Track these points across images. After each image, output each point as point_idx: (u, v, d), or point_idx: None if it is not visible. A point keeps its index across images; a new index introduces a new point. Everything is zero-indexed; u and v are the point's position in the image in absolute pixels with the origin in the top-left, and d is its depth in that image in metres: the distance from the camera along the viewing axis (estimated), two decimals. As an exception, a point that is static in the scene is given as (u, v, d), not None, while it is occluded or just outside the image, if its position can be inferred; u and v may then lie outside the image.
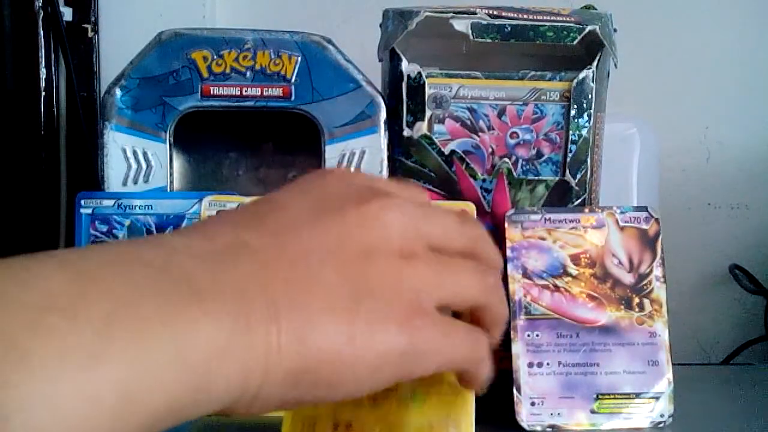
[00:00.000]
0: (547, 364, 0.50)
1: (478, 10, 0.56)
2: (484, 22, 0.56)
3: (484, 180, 0.57)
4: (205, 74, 0.56)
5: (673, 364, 0.51)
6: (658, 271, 0.52)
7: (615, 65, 0.58)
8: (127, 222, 0.55)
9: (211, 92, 0.56)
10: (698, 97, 0.87)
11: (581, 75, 0.56)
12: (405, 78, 0.56)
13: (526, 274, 0.52)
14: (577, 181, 0.57)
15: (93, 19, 0.81)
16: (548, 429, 0.50)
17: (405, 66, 0.56)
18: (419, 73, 0.56)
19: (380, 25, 0.59)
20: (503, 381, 0.44)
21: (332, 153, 0.56)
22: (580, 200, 0.57)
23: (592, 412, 0.50)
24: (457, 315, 0.32)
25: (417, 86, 0.56)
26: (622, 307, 0.52)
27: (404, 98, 0.57)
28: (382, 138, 0.57)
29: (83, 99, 0.80)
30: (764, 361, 0.84)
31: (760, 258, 0.86)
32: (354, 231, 0.28)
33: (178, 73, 0.56)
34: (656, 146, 0.78)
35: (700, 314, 0.87)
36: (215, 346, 0.23)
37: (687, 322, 0.85)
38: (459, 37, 0.56)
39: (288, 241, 0.27)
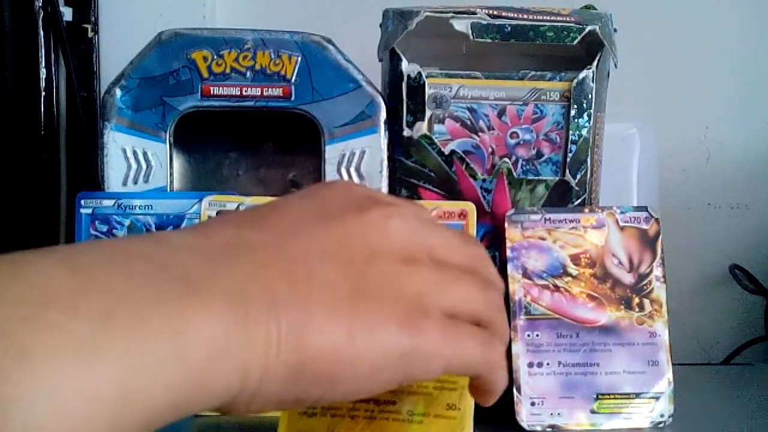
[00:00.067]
0: (547, 364, 0.50)
1: (478, 10, 0.56)
2: (484, 22, 0.56)
3: (484, 180, 0.57)
4: (205, 74, 0.56)
5: (673, 364, 0.51)
6: (658, 271, 0.52)
7: (615, 65, 0.58)
8: (127, 222, 0.55)
9: (211, 92, 0.56)
10: (698, 97, 0.87)
11: (581, 75, 0.56)
12: (405, 78, 0.56)
13: (526, 274, 0.52)
14: (577, 181, 0.57)
15: (93, 19, 0.81)
16: (548, 429, 0.50)
17: (405, 66, 0.56)
18: (419, 73, 0.56)
19: (380, 25, 0.59)
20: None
21: (332, 153, 0.56)
22: (580, 200, 0.57)
23: (592, 412, 0.50)
24: None
25: (417, 86, 0.56)
26: (622, 307, 0.52)
27: (404, 98, 0.57)
28: (382, 138, 0.57)
29: (83, 99, 0.80)
30: (764, 361, 0.84)
31: (760, 258, 0.86)
32: (355, 236, 0.28)
33: (178, 73, 0.56)
34: (656, 146, 0.78)
35: (700, 314, 0.87)
36: (215, 343, 0.23)
37: (687, 322, 0.85)
38: (459, 37, 0.56)
39: (288, 242, 0.27)
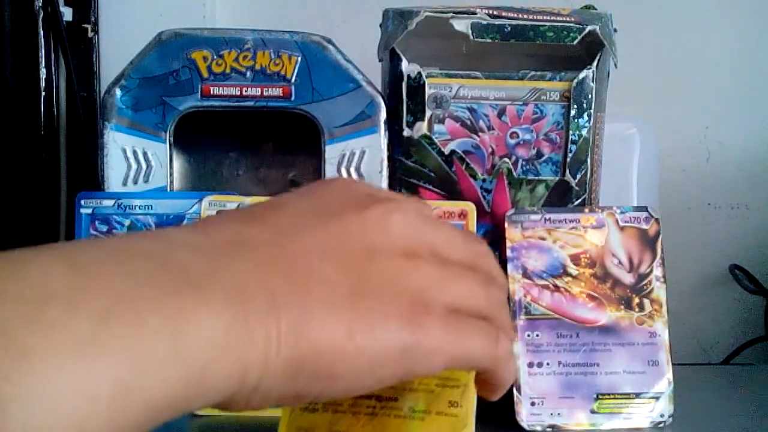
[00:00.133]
0: (547, 364, 0.50)
1: (478, 10, 0.56)
2: (484, 22, 0.56)
3: (484, 180, 0.57)
4: (205, 74, 0.56)
5: (673, 364, 0.51)
6: (658, 271, 0.52)
7: (615, 65, 0.58)
8: (127, 222, 0.55)
9: (211, 92, 0.56)
10: (698, 97, 0.87)
11: (581, 75, 0.56)
12: (405, 78, 0.56)
13: (526, 274, 0.52)
14: (577, 181, 0.57)
15: (93, 19, 0.81)
16: (548, 429, 0.50)
17: (405, 66, 0.56)
18: (419, 73, 0.56)
19: (380, 25, 0.59)
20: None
21: (332, 153, 0.56)
22: (580, 200, 0.57)
23: (592, 412, 0.50)
24: None
25: (417, 86, 0.56)
26: (622, 307, 0.52)
27: (404, 98, 0.57)
28: (382, 138, 0.57)
29: (83, 99, 0.80)
30: (764, 361, 0.84)
31: (760, 258, 0.86)
32: (355, 233, 0.28)
33: (178, 73, 0.56)
34: (656, 146, 0.78)
35: (700, 314, 0.87)
36: (215, 342, 0.23)
37: (687, 322, 0.85)
38: (459, 37, 0.56)
39: (288, 239, 0.27)
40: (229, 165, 0.64)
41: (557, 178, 0.57)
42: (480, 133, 0.57)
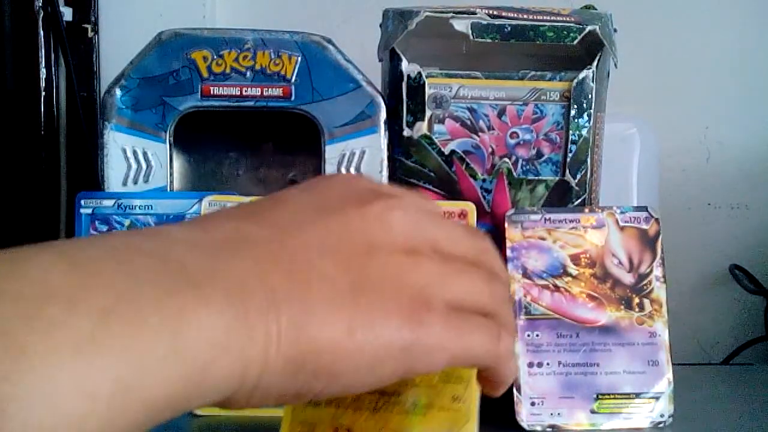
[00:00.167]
0: (547, 364, 0.50)
1: (478, 10, 0.56)
2: (484, 22, 0.56)
3: (484, 180, 0.57)
4: (205, 74, 0.56)
5: (673, 364, 0.51)
6: (658, 271, 0.52)
7: (615, 65, 0.58)
8: (127, 222, 0.55)
9: (211, 92, 0.56)
10: (698, 97, 0.87)
11: (581, 75, 0.56)
12: (405, 78, 0.56)
13: (526, 274, 0.52)
14: (577, 181, 0.57)
15: (93, 19, 0.81)
16: (548, 429, 0.50)
17: (405, 66, 0.56)
18: (419, 73, 0.56)
19: (380, 25, 0.59)
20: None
21: (332, 153, 0.56)
22: (580, 200, 0.57)
23: (592, 412, 0.50)
24: None
25: (417, 86, 0.56)
26: (622, 307, 0.52)
27: (404, 98, 0.57)
28: (382, 138, 0.57)
29: (83, 99, 0.80)
30: (764, 361, 0.84)
31: (760, 258, 0.86)
32: (356, 229, 0.28)
33: (178, 73, 0.56)
34: (656, 146, 0.78)
35: (700, 314, 0.87)
36: (215, 340, 0.23)
37: (687, 322, 0.85)
38: (459, 37, 0.56)
39: (288, 236, 0.27)
40: (229, 165, 0.64)
41: (557, 178, 0.57)
42: (480, 133, 0.57)
